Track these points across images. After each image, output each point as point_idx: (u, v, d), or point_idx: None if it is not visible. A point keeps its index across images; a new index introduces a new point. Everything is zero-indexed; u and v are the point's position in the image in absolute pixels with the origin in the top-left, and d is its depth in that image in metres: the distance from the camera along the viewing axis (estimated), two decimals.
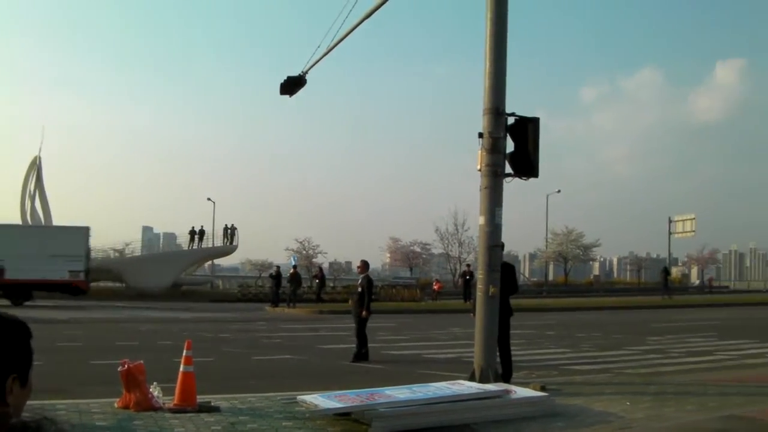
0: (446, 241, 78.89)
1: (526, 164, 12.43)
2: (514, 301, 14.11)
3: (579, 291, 74.99)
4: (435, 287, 59.34)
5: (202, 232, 66.21)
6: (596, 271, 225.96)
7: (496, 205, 12.18)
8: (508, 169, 12.45)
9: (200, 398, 10.48)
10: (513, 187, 12.76)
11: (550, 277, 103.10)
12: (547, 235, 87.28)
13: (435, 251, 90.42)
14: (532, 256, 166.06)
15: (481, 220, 12.29)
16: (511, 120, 12.56)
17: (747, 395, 12.28)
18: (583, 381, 14.38)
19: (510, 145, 12.52)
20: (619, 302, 51.42)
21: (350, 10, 16.21)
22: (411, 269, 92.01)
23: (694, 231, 60.72)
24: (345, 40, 17.11)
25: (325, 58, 18.14)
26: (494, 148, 12.19)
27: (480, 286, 12.21)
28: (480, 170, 12.27)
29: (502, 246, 12.63)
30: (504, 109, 12.42)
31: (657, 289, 70.58)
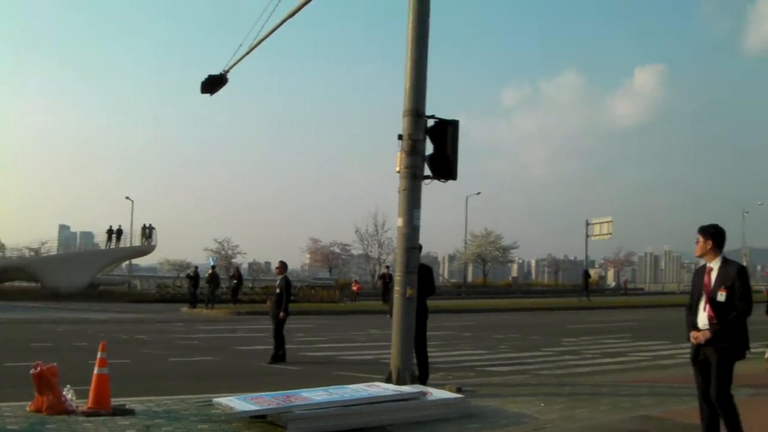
0: (366, 242, 79.17)
1: (445, 167, 12.45)
2: (432, 303, 14.16)
3: (497, 292, 75.77)
4: (354, 288, 59.37)
5: (119, 232, 65.36)
6: (515, 273, 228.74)
7: (415, 207, 12.18)
8: (428, 171, 12.47)
9: (115, 401, 10.27)
10: (433, 188, 12.79)
11: (469, 278, 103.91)
12: (466, 236, 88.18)
13: (355, 252, 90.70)
14: (452, 258, 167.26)
15: (400, 221, 12.28)
16: (430, 122, 12.55)
17: (658, 395, 12.47)
18: (499, 382, 14.47)
19: (429, 148, 12.55)
20: (536, 304, 52.14)
21: (273, 10, 16.11)
22: (330, 270, 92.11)
23: (610, 233, 61.62)
24: (268, 39, 16.99)
25: (248, 57, 17.99)
26: (413, 150, 12.19)
27: (397, 288, 12.19)
28: (399, 172, 12.26)
29: (420, 248, 12.65)
30: (424, 111, 12.42)
31: (574, 291, 71.64)
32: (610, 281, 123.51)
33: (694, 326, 7.47)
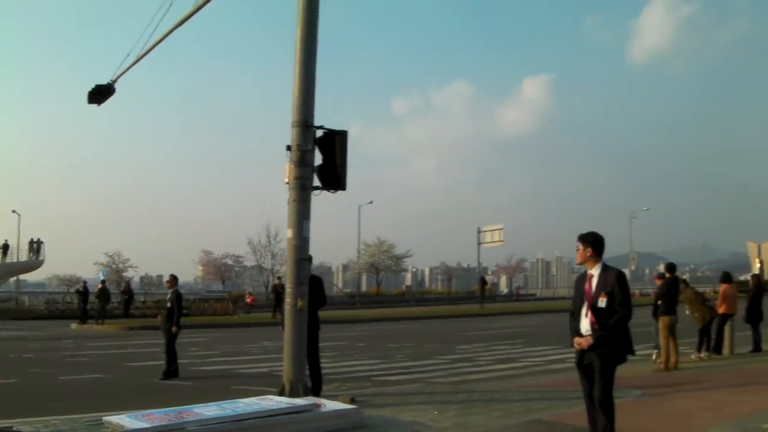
0: (259, 253, 78.59)
1: (334, 177, 12.44)
2: (326, 313, 14.17)
3: (391, 301, 75.95)
4: (248, 300, 58.86)
5: (6, 246, 63.62)
6: (408, 282, 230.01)
7: (304, 218, 12.14)
8: (317, 181, 12.45)
9: (0, 422, 9.98)
10: (326, 198, 12.73)
11: (363, 287, 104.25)
12: (359, 246, 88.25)
13: (248, 263, 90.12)
14: (345, 267, 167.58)
15: (289, 233, 12.22)
16: (319, 133, 12.53)
17: (549, 399, 12.66)
18: (392, 392, 14.49)
19: (319, 158, 12.53)
20: (430, 312, 52.49)
21: (161, 18, 15.93)
22: (224, 282, 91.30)
23: (502, 241, 62.43)
24: (162, 47, 16.75)
25: (140, 66, 17.69)
26: (302, 161, 12.15)
27: (288, 300, 12.12)
28: (288, 183, 12.21)
29: (310, 259, 12.61)
30: (313, 122, 12.39)
31: (468, 299, 72.42)
32: (503, 288, 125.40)
33: (577, 332, 7.62)
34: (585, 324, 7.52)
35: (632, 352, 7.65)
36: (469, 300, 74.77)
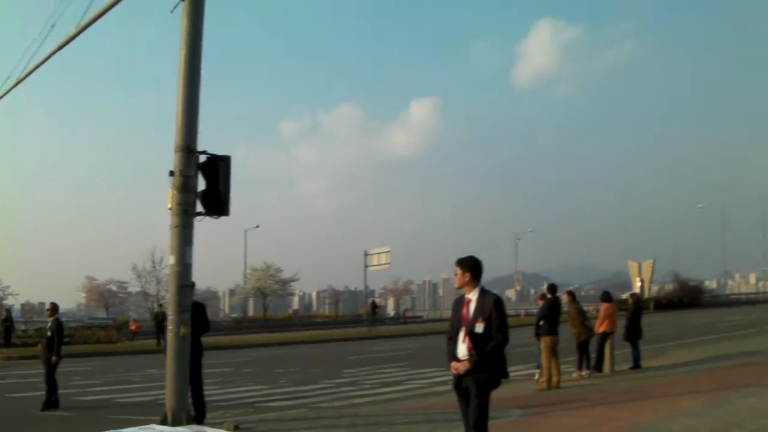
0: (144, 279, 77.08)
1: (217, 203, 12.38)
2: (211, 339, 14.08)
3: (278, 326, 75.53)
4: (132, 327, 57.88)
5: None
6: (296, 306, 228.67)
7: (187, 244, 12.04)
8: (200, 207, 12.37)
9: None
10: (212, 222, 12.63)
11: (250, 312, 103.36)
12: (245, 270, 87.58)
13: (132, 290, 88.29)
14: (232, 292, 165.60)
15: (172, 259, 12.11)
16: (203, 158, 12.47)
17: (433, 422, 12.83)
18: (277, 417, 14.46)
19: (202, 183, 12.46)
20: (317, 336, 52.39)
21: (43, 41, 15.74)
22: (107, 309, 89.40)
23: (389, 263, 62.72)
24: (40, 70, 16.54)
25: (17, 89, 17.42)
26: (185, 187, 12.06)
27: (171, 327, 11.99)
28: (171, 209, 12.10)
29: (193, 285, 12.51)
30: (196, 147, 12.33)
31: (354, 322, 72.54)
32: (390, 310, 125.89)
33: (454, 356, 7.65)
34: (462, 349, 7.54)
35: (506, 376, 7.76)
36: (356, 323, 74.88)
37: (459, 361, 7.58)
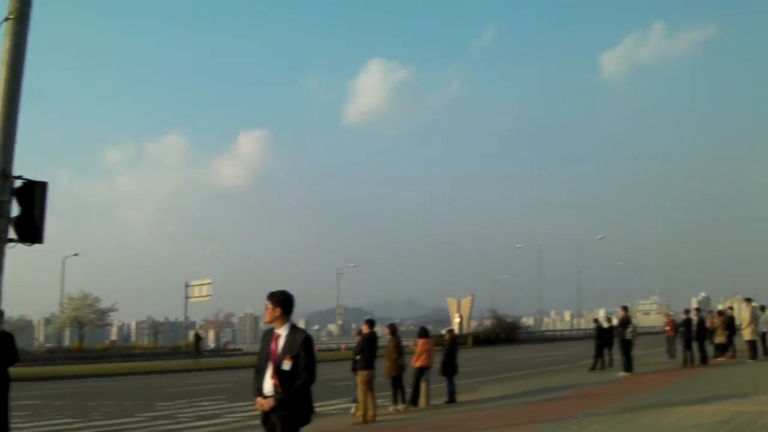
0: None
1: (31, 230, 12.04)
2: (23, 370, 13.67)
3: (95, 357, 73.26)
4: None
5: None
6: (114, 336, 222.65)
7: None
8: (13, 233, 12.02)
9: None
10: (30, 248, 12.25)
11: (66, 342, 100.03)
12: (62, 299, 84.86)
13: None
14: (48, 321, 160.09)
15: None
16: (18, 183, 12.13)
17: None
18: None
19: (16, 209, 12.10)
20: (135, 368, 51.18)
21: None
22: None
23: (210, 295, 62.08)
24: None
25: None
26: None
27: None
28: None
29: (2, 313, 12.14)
30: (11, 172, 11.97)
31: (173, 353, 71.26)
32: (211, 342, 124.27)
33: (260, 392, 7.52)
34: (269, 385, 7.43)
35: (312, 413, 7.67)
36: (175, 355, 73.58)
37: (265, 397, 7.46)
